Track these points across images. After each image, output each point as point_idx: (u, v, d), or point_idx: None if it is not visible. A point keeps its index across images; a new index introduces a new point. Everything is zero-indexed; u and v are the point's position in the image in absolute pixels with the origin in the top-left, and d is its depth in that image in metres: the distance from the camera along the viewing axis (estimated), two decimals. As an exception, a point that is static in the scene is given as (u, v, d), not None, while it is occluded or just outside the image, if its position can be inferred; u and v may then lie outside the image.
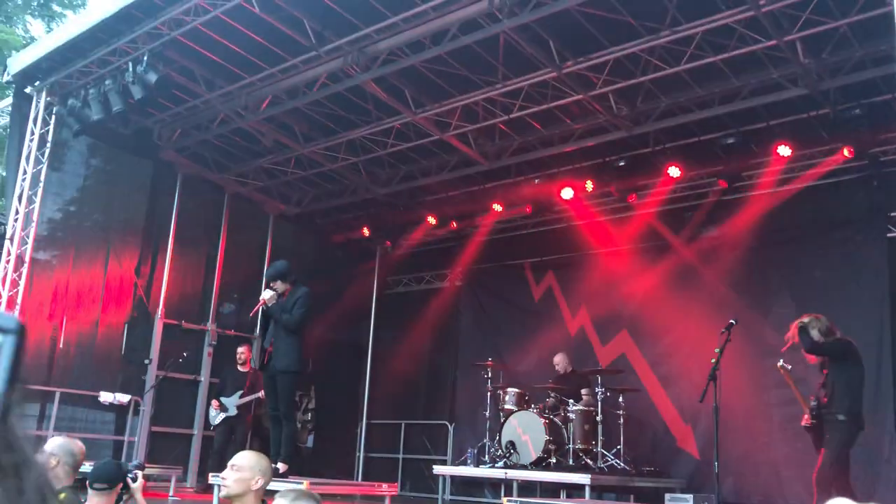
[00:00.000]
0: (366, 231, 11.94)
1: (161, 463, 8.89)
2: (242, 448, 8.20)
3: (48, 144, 8.84)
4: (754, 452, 8.73)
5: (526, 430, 8.65)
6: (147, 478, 4.15)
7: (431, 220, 11.42)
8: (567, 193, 9.88)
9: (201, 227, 10.96)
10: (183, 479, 9.59)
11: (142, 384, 9.55)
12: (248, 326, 10.87)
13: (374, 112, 9.20)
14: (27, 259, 8.54)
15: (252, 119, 9.27)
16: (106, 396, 8.84)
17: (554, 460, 8.45)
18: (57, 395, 8.89)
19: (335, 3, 7.19)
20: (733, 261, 9.33)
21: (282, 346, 6.46)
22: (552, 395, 9.06)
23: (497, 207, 10.87)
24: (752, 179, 9.24)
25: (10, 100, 9.79)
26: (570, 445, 8.58)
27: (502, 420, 9.00)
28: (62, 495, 3.26)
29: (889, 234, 8.58)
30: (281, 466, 6.20)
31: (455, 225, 11.57)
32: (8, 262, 8.47)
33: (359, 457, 12.16)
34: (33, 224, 8.65)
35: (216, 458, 8.64)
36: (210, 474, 7.27)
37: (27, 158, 8.76)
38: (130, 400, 9.00)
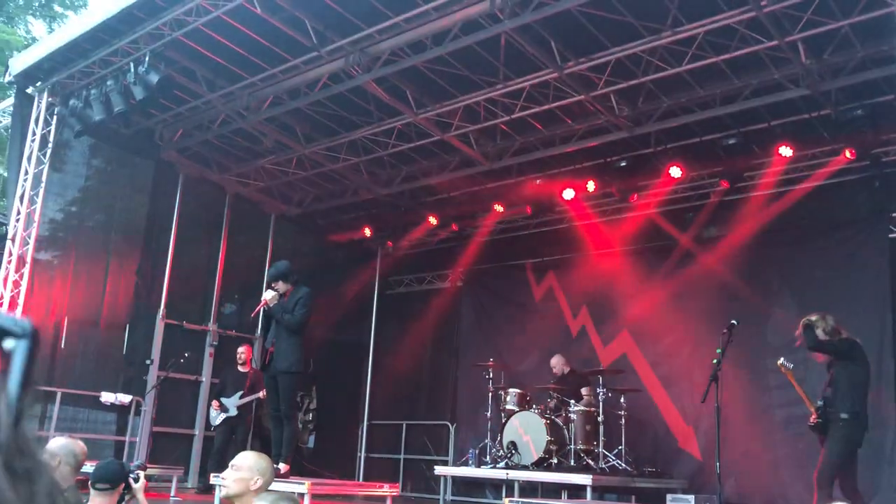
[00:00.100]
0: (367, 231, 11.95)
1: (162, 463, 8.90)
2: (243, 448, 8.21)
3: (50, 145, 8.85)
4: (756, 453, 8.73)
5: (527, 430, 8.65)
6: (148, 478, 4.15)
7: (433, 220, 11.44)
8: (568, 194, 9.90)
9: (202, 227, 10.97)
10: (184, 479, 9.60)
11: (143, 384, 9.55)
12: (250, 327, 10.88)
13: (376, 112, 9.21)
14: (28, 259, 8.55)
15: (253, 119, 9.27)
16: (107, 397, 8.84)
17: (555, 461, 8.45)
18: (58, 396, 8.90)
19: (336, 3, 7.19)
20: (735, 261, 9.32)
21: (283, 346, 6.46)
22: (554, 395, 9.07)
23: (498, 208, 10.88)
24: (754, 180, 9.23)
25: (11, 100, 9.80)
26: (572, 446, 8.58)
27: (503, 420, 9.01)
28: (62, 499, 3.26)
29: (891, 235, 8.57)
30: (282, 467, 6.19)
31: (456, 226, 11.57)
32: (9, 262, 8.48)
33: (360, 457, 12.16)
34: (35, 224, 8.66)
35: (216, 459, 8.65)
36: (211, 474, 7.27)
37: (28, 159, 8.77)
38: (132, 400, 9.00)
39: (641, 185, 9.63)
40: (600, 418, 8.61)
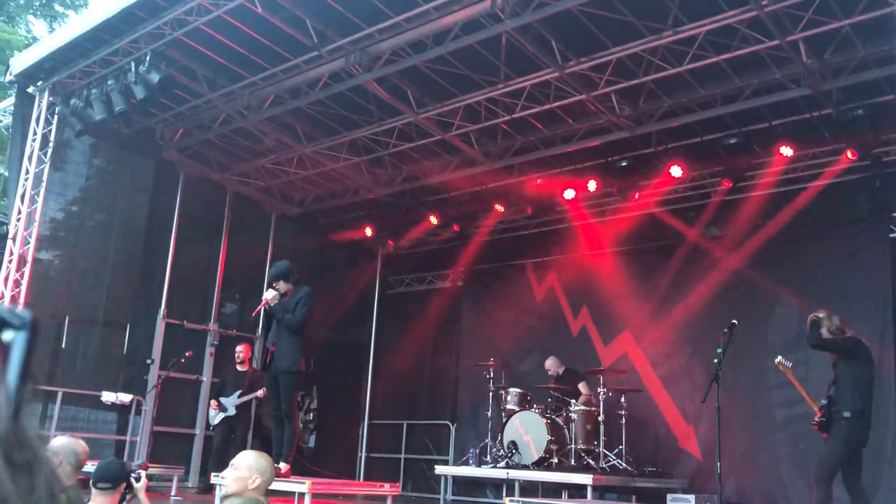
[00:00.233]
0: (368, 231, 11.96)
1: (163, 463, 8.90)
2: (242, 447, 8.21)
3: (50, 144, 8.85)
4: (756, 453, 8.73)
5: (528, 430, 8.65)
6: (149, 477, 4.16)
7: (433, 220, 11.43)
8: (569, 194, 9.90)
9: (203, 226, 10.97)
10: (185, 478, 9.60)
11: (144, 384, 9.55)
12: (250, 326, 10.88)
13: (377, 112, 9.20)
14: (29, 259, 8.55)
15: (254, 119, 9.27)
16: (108, 396, 8.84)
17: (556, 460, 8.45)
18: (59, 395, 8.90)
19: (337, 2, 7.19)
20: (735, 261, 9.33)
21: (284, 346, 6.46)
22: (553, 394, 9.08)
23: (499, 207, 10.88)
24: (755, 180, 9.23)
25: (12, 99, 9.79)
26: (572, 445, 8.58)
27: (504, 420, 9.01)
28: (63, 497, 3.26)
29: (891, 234, 8.57)
30: (283, 466, 6.19)
31: (457, 226, 11.57)
32: (10, 261, 8.48)
33: (360, 457, 12.17)
34: (35, 224, 8.66)
35: (215, 458, 8.65)
36: (211, 474, 7.27)
37: (29, 158, 8.77)
38: (132, 400, 9.00)
39: (642, 184, 9.63)
40: (601, 418, 8.61)
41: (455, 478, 10.11)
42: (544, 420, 8.56)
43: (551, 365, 9.60)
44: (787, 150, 8.41)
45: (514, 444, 8.65)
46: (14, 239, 8.53)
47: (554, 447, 8.45)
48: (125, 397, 8.91)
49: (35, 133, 8.82)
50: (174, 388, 9.84)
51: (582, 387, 9.24)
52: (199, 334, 10.55)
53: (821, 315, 6.28)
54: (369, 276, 12.87)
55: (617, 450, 8.57)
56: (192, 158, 10.51)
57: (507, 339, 11.26)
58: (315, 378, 11.55)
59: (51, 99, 8.89)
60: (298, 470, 6.85)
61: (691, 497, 8.09)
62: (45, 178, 8.77)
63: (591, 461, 8.45)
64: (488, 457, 9.36)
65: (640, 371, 9.83)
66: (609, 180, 9.65)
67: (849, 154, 8.37)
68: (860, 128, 7.93)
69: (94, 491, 3.50)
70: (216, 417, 9.09)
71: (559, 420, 8.72)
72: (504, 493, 9.09)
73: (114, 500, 3.54)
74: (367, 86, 8.33)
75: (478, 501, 10.61)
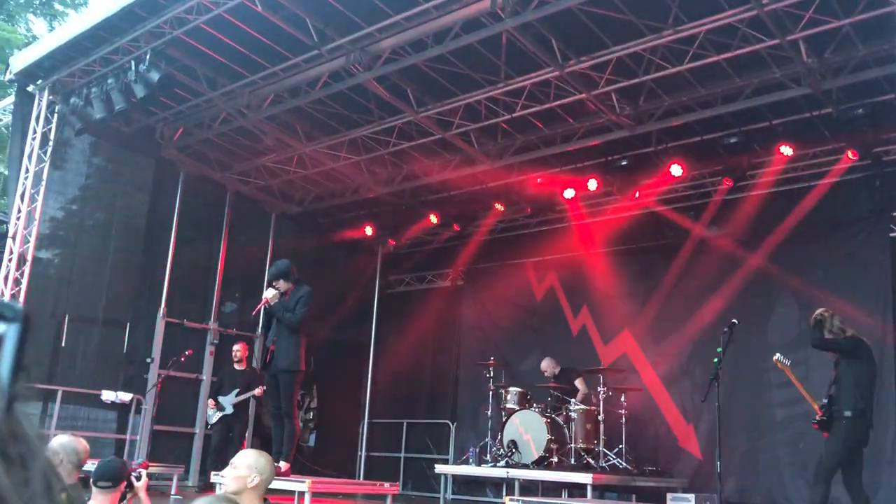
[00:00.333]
0: (368, 230, 11.95)
1: (163, 461, 8.90)
2: (240, 446, 8.21)
3: (50, 143, 8.85)
4: (756, 452, 8.74)
5: (528, 429, 8.65)
6: (149, 476, 4.16)
7: (433, 218, 11.43)
8: (569, 193, 9.90)
9: (203, 225, 10.96)
10: (185, 477, 9.60)
11: (144, 383, 9.55)
12: (250, 325, 10.88)
13: (377, 111, 9.20)
14: (29, 257, 8.54)
15: (254, 118, 9.27)
16: (108, 395, 8.85)
17: (556, 459, 8.45)
18: (59, 394, 8.90)
19: (337, 1, 7.19)
20: (735, 260, 9.32)
21: (284, 344, 6.46)
22: (553, 393, 9.08)
23: (499, 207, 10.88)
24: (755, 179, 9.23)
25: (12, 98, 9.79)
26: (572, 445, 8.58)
27: (504, 419, 9.01)
28: (63, 496, 3.26)
29: (891, 234, 8.57)
30: (283, 465, 6.19)
31: (457, 226, 11.57)
32: (10, 260, 8.48)
33: (360, 456, 12.16)
34: (35, 222, 8.66)
35: (214, 457, 8.65)
36: (211, 473, 7.27)
37: (29, 157, 8.76)
38: (132, 398, 9.00)
39: (643, 184, 9.62)
40: (601, 417, 8.62)
41: (455, 477, 10.11)
42: (544, 419, 8.56)
43: (547, 366, 9.61)
44: (787, 150, 8.41)
45: (513, 443, 8.66)
46: (14, 238, 8.53)
47: (554, 446, 8.45)
48: (125, 396, 8.92)
49: (35, 132, 8.82)
50: (174, 387, 9.84)
51: (578, 383, 9.27)
52: (199, 333, 10.55)
53: (825, 314, 6.28)
54: (369, 276, 12.87)
55: (617, 449, 8.57)
56: (192, 157, 10.51)
57: (507, 339, 11.27)
58: (315, 377, 11.56)
59: (51, 97, 8.88)
60: (298, 469, 6.85)
61: (691, 496, 8.09)
62: (44, 176, 8.77)
63: (590, 460, 8.45)
64: (488, 456, 9.36)
65: (640, 370, 9.84)
66: (609, 179, 9.65)
67: (850, 154, 8.36)
68: (860, 127, 7.93)
69: (94, 489, 3.50)
70: (214, 416, 9.09)
71: (559, 419, 8.72)
72: (504, 493, 9.09)
73: (114, 499, 3.54)
74: (368, 85, 8.33)
75: (478, 500, 10.62)
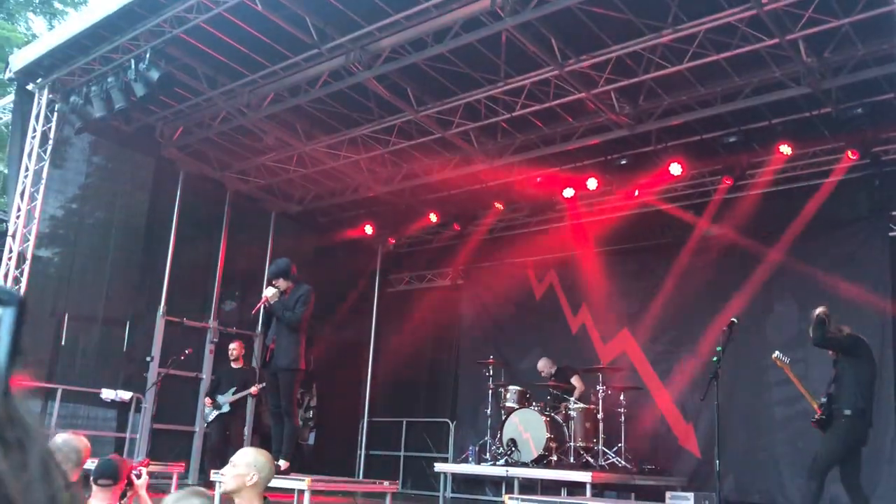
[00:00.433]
0: (368, 229, 11.96)
1: (163, 460, 8.88)
2: (238, 445, 8.20)
3: (50, 141, 8.85)
4: (755, 450, 8.74)
5: (527, 427, 8.66)
6: (149, 475, 4.16)
7: (433, 217, 11.43)
8: (569, 192, 9.90)
9: (203, 224, 10.97)
10: (185, 475, 9.60)
11: (143, 381, 9.55)
12: (250, 324, 10.88)
13: (376, 110, 9.20)
14: (29, 256, 8.55)
15: (254, 117, 9.27)
16: (108, 393, 8.84)
17: (555, 458, 8.46)
18: (59, 392, 8.91)
19: (337, 0, 7.19)
20: (735, 259, 9.34)
21: (284, 343, 6.47)
22: (552, 392, 9.09)
23: (499, 206, 10.88)
24: (755, 178, 9.24)
25: (11, 97, 9.79)
26: (572, 443, 8.59)
27: (503, 418, 9.02)
28: (65, 495, 3.26)
29: (891, 233, 8.58)
30: (282, 464, 6.20)
31: (457, 226, 11.57)
32: (10, 259, 8.48)
33: (360, 454, 12.17)
34: (35, 221, 8.66)
35: (211, 456, 8.65)
36: (211, 471, 7.27)
37: (29, 155, 8.76)
38: (132, 397, 9.00)
39: (642, 182, 9.63)
40: (600, 416, 8.62)
41: (454, 475, 10.12)
42: (543, 418, 8.57)
43: (544, 366, 9.62)
44: (786, 149, 8.42)
45: (513, 441, 8.67)
46: (14, 236, 8.53)
47: (553, 445, 8.46)
48: (125, 394, 8.91)
49: (35, 130, 8.82)
50: (174, 386, 9.85)
51: (575, 381, 9.28)
52: (198, 332, 10.56)
53: (826, 313, 6.29)
54: (369, 274, 12.87)
55: (616, 447, 8.58)
56: (192, 156, 10.51)
57: (507, 337, 11.28)
58: (315, 375, 11.56)
59: (50, 96, 8.88)
60: (298, 467, 6.84)
61: (690, 495, 8.10)
62: (44, 175, 8.77)
63: (590, 459, 8.46)
64: (488, 454, 9.37)
65: (639, 369, 9.85)
66: (609, 178, 9.65)
67: (849, 154, 8.37)
68: (860, 126, 7.94)
69: (94, 487, 3.50)
70: (211, 415, 9.08)
71: (558, 418, 8.73)
72: (503, 491, 9.10)
73: (114, 497, 3.55)
74: (367, 84, 8.33)
75: (477, 499, 10.63)
